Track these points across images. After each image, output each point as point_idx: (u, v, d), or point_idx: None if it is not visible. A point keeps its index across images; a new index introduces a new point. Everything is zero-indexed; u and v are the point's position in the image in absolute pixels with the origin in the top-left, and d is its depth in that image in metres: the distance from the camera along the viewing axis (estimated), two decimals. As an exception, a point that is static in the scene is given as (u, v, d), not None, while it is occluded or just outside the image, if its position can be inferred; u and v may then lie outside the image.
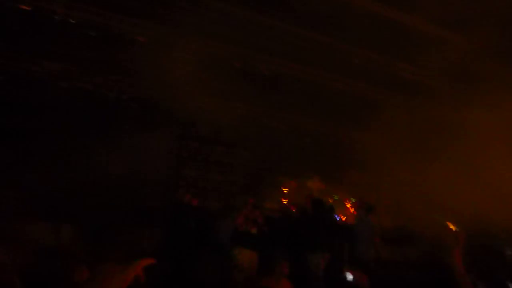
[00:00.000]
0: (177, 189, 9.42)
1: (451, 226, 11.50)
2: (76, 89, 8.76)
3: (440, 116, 11.10)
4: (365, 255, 6.57)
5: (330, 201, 10.43)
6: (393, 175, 11.98)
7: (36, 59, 8.41)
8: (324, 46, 11.06)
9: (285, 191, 10.70)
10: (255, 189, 9.83)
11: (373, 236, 6.84)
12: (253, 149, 10.42)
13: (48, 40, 8.51)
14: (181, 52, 9.68)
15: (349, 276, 3.51)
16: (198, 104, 9.69)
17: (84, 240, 6.98)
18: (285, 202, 9.92)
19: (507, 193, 10.89)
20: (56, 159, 8.04)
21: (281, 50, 10.45)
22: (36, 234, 6.64)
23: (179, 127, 9.74)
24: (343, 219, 10.05)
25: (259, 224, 6.83)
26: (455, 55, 12.09)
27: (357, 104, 11.94)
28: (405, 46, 12.36)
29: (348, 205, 11.23)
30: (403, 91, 12.26)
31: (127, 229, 7.58)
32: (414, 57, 12.26)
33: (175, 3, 9.34)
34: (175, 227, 6.77)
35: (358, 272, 3.58)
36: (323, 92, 11.39)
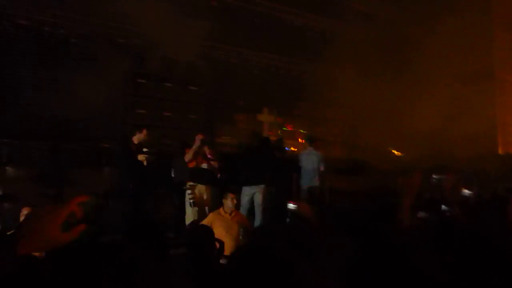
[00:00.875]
0: (129, 127, 9.31)
1: (397, 153, 12.05)
2: (11, 25, 8.23)
3: (387, 41, 11.30)
4: (310, 185, 6.87)
5: (279, 132, 10.68)
6: (344, 106, 12.31)
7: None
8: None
9: (237, 125, 10.81)
10: (207, 125, 9.87)
11: (317, 166, 7.08)
12: (204, 85, 10.32)
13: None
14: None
15: (291, 206, 3.67)
16: (148, 39, 9.40)
17: (34, 183, 6.90)
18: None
19: (459, 112, 11.54)
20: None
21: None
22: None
23: (130, 64, 9.44)
24: (294, 150, 10.34)
25: (209, 159, 6.94)
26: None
27: (306, 35, 11.92)
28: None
29: (299, 137, 11.54)
30: (351, 21, 12.28)
31: (79, 170, 7.52)
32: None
33: None
34: (128, 166, 6.76)
35: (300, 202, 3.76)
36: (273, 25, 11.26)
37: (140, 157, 6.48)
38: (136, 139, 6.56)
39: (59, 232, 1.16)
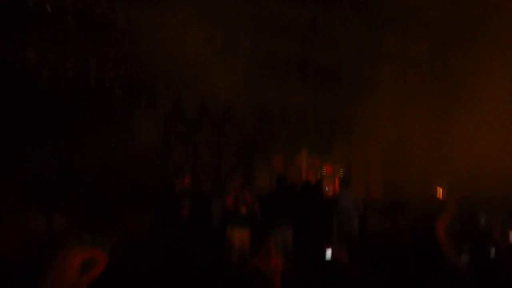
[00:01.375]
0: (168, 172, 9.45)
1: (439, 193, 11.67)
2: (57, 77, 8.65)
3: (423, 86, 11.17)
4: (348, 228, 6.68)
5: (318, 175, 10.55)
6: (382, 145, 12.11)
7: (14, 48, 8.25)
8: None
9: (275, 169, 10.77)
10: (245, 169, 9.88)
11: (355, 208, 6.91)
12: (242, 128, 10.42)
13: (25, 28, 8.35)
14: (162, 32, 9.59)
15: (328, 252, 3.58)
16: (184, 84, 9.66)
17: (78, 228, 7.00)
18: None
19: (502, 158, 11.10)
20: (44, 148, 8.02)
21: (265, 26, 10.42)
22: (28, 224, 6.68)
23: (166, 109, 9.69)
24: (331, 192, 10.18)
25: (248, 203, 6.89)
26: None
27: (341, 75, 11.95)
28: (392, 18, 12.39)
29: (337, 177, 11.37)
30: (388, 61, 12.27)
31: (120, 215, 7.61)
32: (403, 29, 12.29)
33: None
34: (168, 211, 6.81)
35: (336, 247, 3.65)
36: (307, 66, 11.37)
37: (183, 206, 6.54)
38: (179, 185, 6.62)
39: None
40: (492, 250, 4.05)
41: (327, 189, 9.83)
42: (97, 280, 1.13)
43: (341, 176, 10.18)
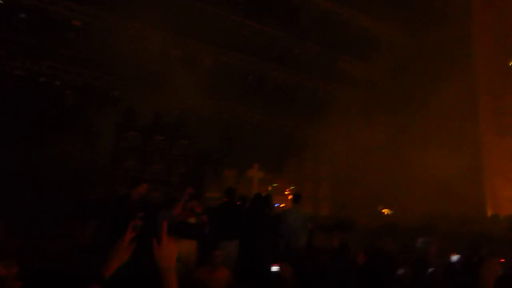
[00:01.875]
0: (116, 180, 9.25)
1: (386, 213, 12.00)
2: (6, 74, 8.34)
3: (375, 108, 11.57)
4: (296, 244, 6.73)
5: (269, 188, 10.63)
6: (334, 164, 12.40)
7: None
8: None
9: (225, 181, 10.77)
10: (196, 179, 9.82)
11: (303, 225, 6.99)
12: (195, 139, 10.38)
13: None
14: (121, 37, 9.49)
15: (274, 268, 3.63)
16: (137, 93, 9.55)
17: (18, 235, 6.70)
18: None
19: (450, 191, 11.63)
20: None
21: (226, 41, 10.52)
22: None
23: (118, 117, 9.52)
24: (282, 206, 10.25)
25: (197, 213, 6.82)
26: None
27: (298, 94, 12.20)
28: (351, 41, 12.81)
29: (287, 193, 11.49)
30: (341, 82, 12.64)
31: (64, 223, 7.35)
32: (360, 52, 12.72)
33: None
34: (115, 220, 6.61)
35: (282, 264, 3.71)
36: (266, 83, 11.54)
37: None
38: (136, 193, 6.44)
39: None
40: (428, 270, 4.23)
41: (276, 205, 9.89)
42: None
43: (292, 191, 10.30)
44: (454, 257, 4.95)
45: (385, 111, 12.35)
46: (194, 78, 9.43)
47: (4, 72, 8.37)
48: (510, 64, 14.85)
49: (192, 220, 6.89)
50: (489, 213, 13.67)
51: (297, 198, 7.45)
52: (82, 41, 9.08)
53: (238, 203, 7.35)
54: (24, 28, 8.60)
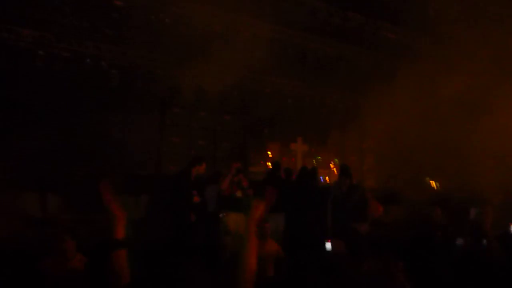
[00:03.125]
0: (162, 157, 9.45)
1: (433, 185, 11.75)
2: (54, 57, 8.57)
3: (419, 76, 11.15)
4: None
5: (314, 162, 10.58)
6: (379, 136, 12.16)
7: (10, 26, 8.16)
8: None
9: (269, 155, 10.79)
10: (240, 154, 9.89)
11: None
12: (238, 114, 10.41)
13: (22, 6, 8.26)
14: (163, 16, 9.53)
15: (327, 245, 3.64)
16: (181, 70, 9.62)
17: (72, 209, 6.99)
18: (270, 166, 9.99)
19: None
20: (38, 128, 7.96)
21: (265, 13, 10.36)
22: (23, 205, 6.66)
23: (162, 94, 9.65)
24: (327, 180, 10.22)
25: (243, 187, 6.91)
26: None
27: (339, 65, 11.93)
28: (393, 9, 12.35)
29: (332, 166, 11.41)
30: (384, 51, 12.25)
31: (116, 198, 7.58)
32: (404, 20, 12.25)
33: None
34: (162, 195, 6.78)
35: (334, 239, 3.72)
36: (307, 54, 11.34)
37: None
38: (195, 171, 6.58)
39: None
40: (484, 241, 4.13)
41: (321, 179, 9.86)
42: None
43: (338, 164, 10.21)
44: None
45: (430, 80, 11.89)
46: (235, 53, 9.38)
47: (53, 55, 8.60)
48: None
49: (238, 194, 6.99)
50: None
51: (343, 169, 7.38)
52: (125, 20, 9.17)
53: (282, 176, 7.37)
54: (68, 10, 8.75)
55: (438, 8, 12.52)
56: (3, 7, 8.02)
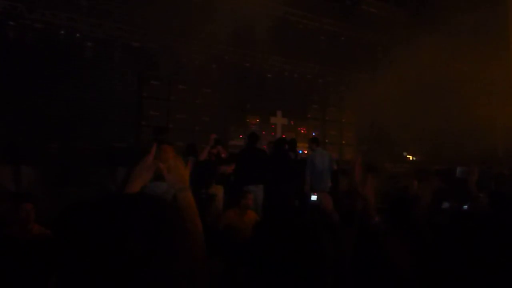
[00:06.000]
0: (140, 129, 9.34)
1: (410, 157, 11.85)
2: (26, 28, 8.32)
3: (399, 51, 11.15)
4: (321, 184, 6.76)
5: (293, 135, 10.60)
6: (357, 109, 12.22)
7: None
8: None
9: (250, 128, 10.76)
10: (220, 127, 9.83)
11: (328, 166, 6.98)
12: (217, 88, 10.31)
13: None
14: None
15: (313, 197, 3.62)
16: (162, 42, 9.45)
17: (49, 182, 6.90)
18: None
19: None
20: (12, 101, 7.77)
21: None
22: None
23: (140, 66, 9.49)
24: (305, 152, 10.26)
25: (222, 158, 6.89)
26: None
27: (319, 39, 11.87)
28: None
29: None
30: (364, 25, 12.21)
31: (94, 171, 7.52)
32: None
33: None
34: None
35: (321, 192, 3.70)
36: (287, 28, 11.23)
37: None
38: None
39: None
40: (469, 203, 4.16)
41: (300, 151, 9.88)
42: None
43: (311, 136, 10.24)
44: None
45: (411, 55, 11.90)
46: (214, 26, 9.25)
47: (24, 26, 8.35)
48: None
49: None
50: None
51: (316, 141, 7.42)
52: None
53: (264, 147, 7.36)
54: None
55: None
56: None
